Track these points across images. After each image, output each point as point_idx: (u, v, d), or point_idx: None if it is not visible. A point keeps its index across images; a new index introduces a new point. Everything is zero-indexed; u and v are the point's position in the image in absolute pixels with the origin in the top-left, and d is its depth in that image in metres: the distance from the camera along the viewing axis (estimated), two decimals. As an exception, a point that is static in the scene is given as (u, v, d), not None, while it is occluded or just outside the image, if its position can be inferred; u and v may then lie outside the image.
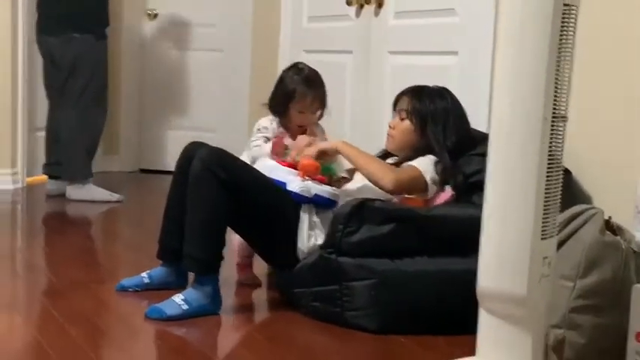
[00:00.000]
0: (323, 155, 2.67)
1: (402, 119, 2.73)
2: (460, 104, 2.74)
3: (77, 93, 4.47)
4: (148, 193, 5.11)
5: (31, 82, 4.88)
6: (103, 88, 4.62)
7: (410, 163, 2.65)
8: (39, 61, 4.71)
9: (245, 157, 2.85)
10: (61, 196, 4.55)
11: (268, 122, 2.92)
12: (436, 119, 2.67)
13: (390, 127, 2.78)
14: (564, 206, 1.94)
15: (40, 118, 4.94)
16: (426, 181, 2.60)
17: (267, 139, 2.87)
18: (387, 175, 2.57)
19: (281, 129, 2.90)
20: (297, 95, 2.86)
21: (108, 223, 4.28)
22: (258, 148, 2.85)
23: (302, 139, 2.78)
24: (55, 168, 4.61)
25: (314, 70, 2.94)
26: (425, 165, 2.62)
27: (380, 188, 2.57)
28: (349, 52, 3.98)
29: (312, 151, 2.66)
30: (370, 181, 2.60)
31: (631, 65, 2.48)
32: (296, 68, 2.94)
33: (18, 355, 2.18)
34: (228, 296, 2.61)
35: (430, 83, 2.79)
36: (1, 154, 4.72)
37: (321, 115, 2.95)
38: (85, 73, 4.46)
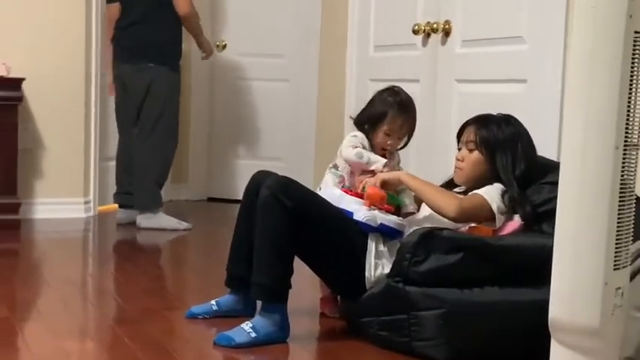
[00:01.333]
0: (385, 185, 2.67)
1: (471, 150, 2.70)
2: (527, 131, 2.69)
3: (150, 123, 4.59)
4: (216, 221, 5.17)
5: (102, 113, 5.00)
6: (175, 119, 4.72)
7: (475, 191, 2.62)
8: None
9: (329, 179, 2.82)
10: (132, 224, 4.63)
11: (363, 136, 2.82)
12: (505, 147, 2.63)
13: (458, 159, 2.73)
14: (636, 236, 1.91)
15: (111, 147, 5.05)
16: (491, 210, 2.57)
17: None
18: (451, 203, 2.55)
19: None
20: (388, 117, 2.80)
21: (177, 251, 4.34)
22: (368, 155, 2.76)
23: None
24: (125, 197, 4.71)
25: (409, 96, 2.86)
26: (491, 193, 2.59)
27: (443, 217, 2.55)
28: (416, 81, 3.98)
29: (374, 180, 2.66)
30: (434, 209, 2.58)
31: None
32: (392, 91, 2.86)
33: (90, 380, 2.22)
34: (297, 324, 2.61)
35: (498, 112, 2.76)
36: (75, 184, 4.84)
37: (406, 144, 2.89)
38: (159, 102, 4.58)
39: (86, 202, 4.90)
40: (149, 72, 4.55)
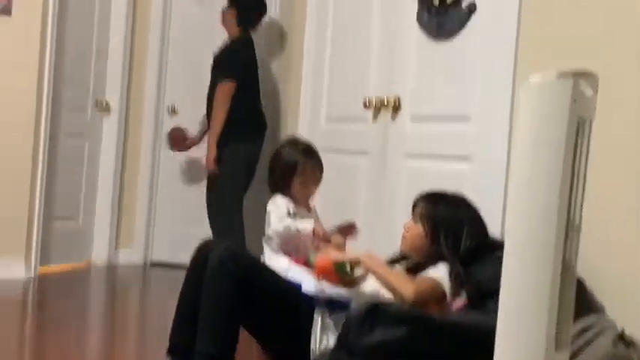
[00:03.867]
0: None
1: (416, 222, 2.75)
2: (478, 213, 2.74)
3: None
4: (158, 287, 5.09)
5: (51, 171, 4.96)
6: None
7: (427, 274, 2.65)
8: (58, 151, 4.83)
9: (268, 252, 2.82)
10: None
11: (285, 201, 2.84)
12: (448, 228, 2.68)
13: (404, 227, 2.80)
14: (577, 316, 1.94)
15: (57, 207, 4.99)
16: (444, 291, 2.60)
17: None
18: (408, 287, 2.56)
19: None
20: (299, 167, 2.85)
21: (117, 317, 4.26)
22: (295, 227, 2.76)
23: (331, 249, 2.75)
24: None
25: (308, 141, 2.94)
26: (442, 275, 2.63)
27: (401, 300, 2.55)
28: (365, 154, 4.03)
29: (335, 258, 2.65)
30: (391, 293, 2.59)
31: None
32: (290, 142, 2.96)
33: None
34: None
35: (444, 188, 2.81)
36: (16, 243, 4.74)
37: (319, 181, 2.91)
38: None
39: (27, 263, 4.79)
40: None
